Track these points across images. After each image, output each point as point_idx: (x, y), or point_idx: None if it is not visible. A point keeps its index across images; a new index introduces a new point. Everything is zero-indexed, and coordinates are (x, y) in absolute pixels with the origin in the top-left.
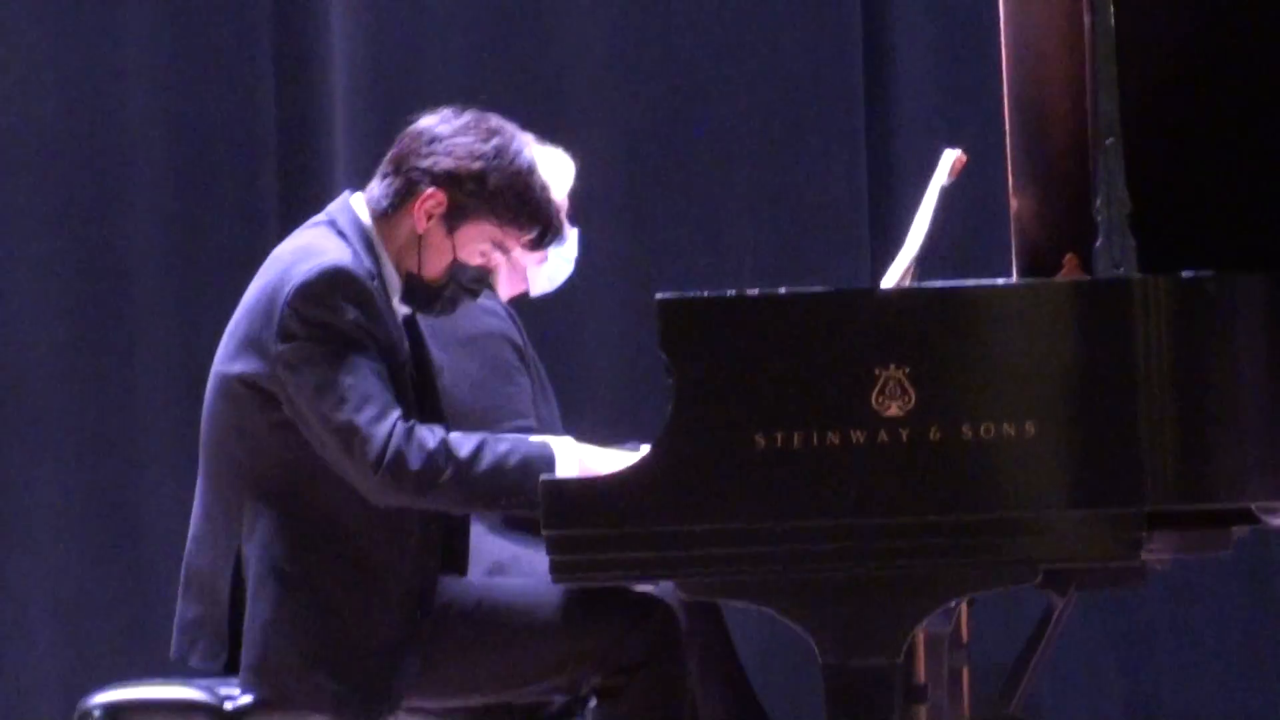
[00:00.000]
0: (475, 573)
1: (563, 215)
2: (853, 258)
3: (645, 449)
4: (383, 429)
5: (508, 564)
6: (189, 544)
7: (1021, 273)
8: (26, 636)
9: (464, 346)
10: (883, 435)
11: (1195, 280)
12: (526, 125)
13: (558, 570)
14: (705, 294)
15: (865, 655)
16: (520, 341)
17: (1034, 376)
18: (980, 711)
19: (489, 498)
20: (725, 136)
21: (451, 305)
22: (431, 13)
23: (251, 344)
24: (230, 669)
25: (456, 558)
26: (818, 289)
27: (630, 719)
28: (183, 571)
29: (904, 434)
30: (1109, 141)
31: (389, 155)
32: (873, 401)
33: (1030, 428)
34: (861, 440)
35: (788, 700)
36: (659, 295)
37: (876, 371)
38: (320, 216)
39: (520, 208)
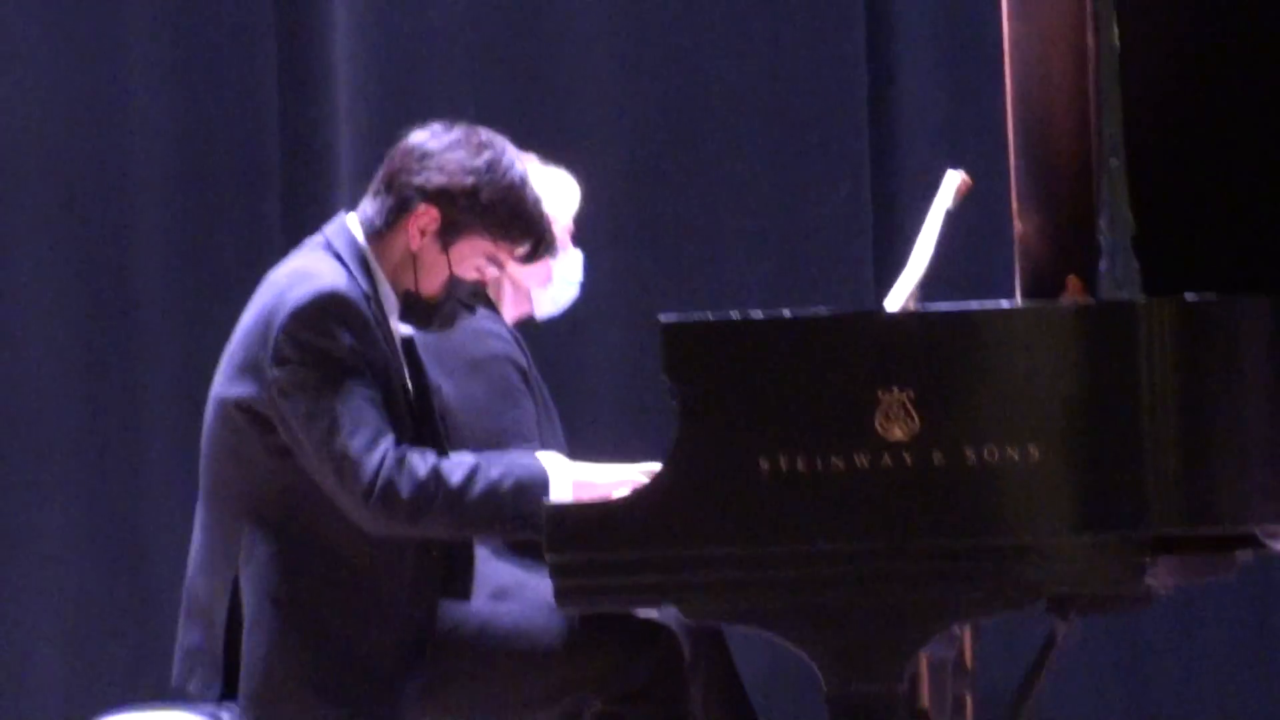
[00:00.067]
0: (479, 597)
1: (567, 236)
2: (856, 280)
3: (647, 465)
4: (373, 457)
5: (512, 589)
6: (189, 570)
7: (1025, 295)
8: (31, 661)
9: (468, 370)
10: (886, 459)
11: (1199, 303)
12: (531, 147)
13: (561, 595)
14: (709, 317)
15: (868, 680)
16: (525, 364)
17: (1038, 400)
18: None
19: (483, 523)
20: (729, 159)
21: (450, 320)
22: (436, 34)
23: (248, 368)
24: (227, 697)
25: (459, 582)
26: (821, 311)
27: None
28: (183, 597)
29: (908, 457)
30: (1113, 163)
31: (380, 173)
32: (876, 425)
33: (1034, 451)
34: (865, 464)
35: None
36: (662, 318)
37: (880, 394)
38: (316, 238)
39: (513, 221)
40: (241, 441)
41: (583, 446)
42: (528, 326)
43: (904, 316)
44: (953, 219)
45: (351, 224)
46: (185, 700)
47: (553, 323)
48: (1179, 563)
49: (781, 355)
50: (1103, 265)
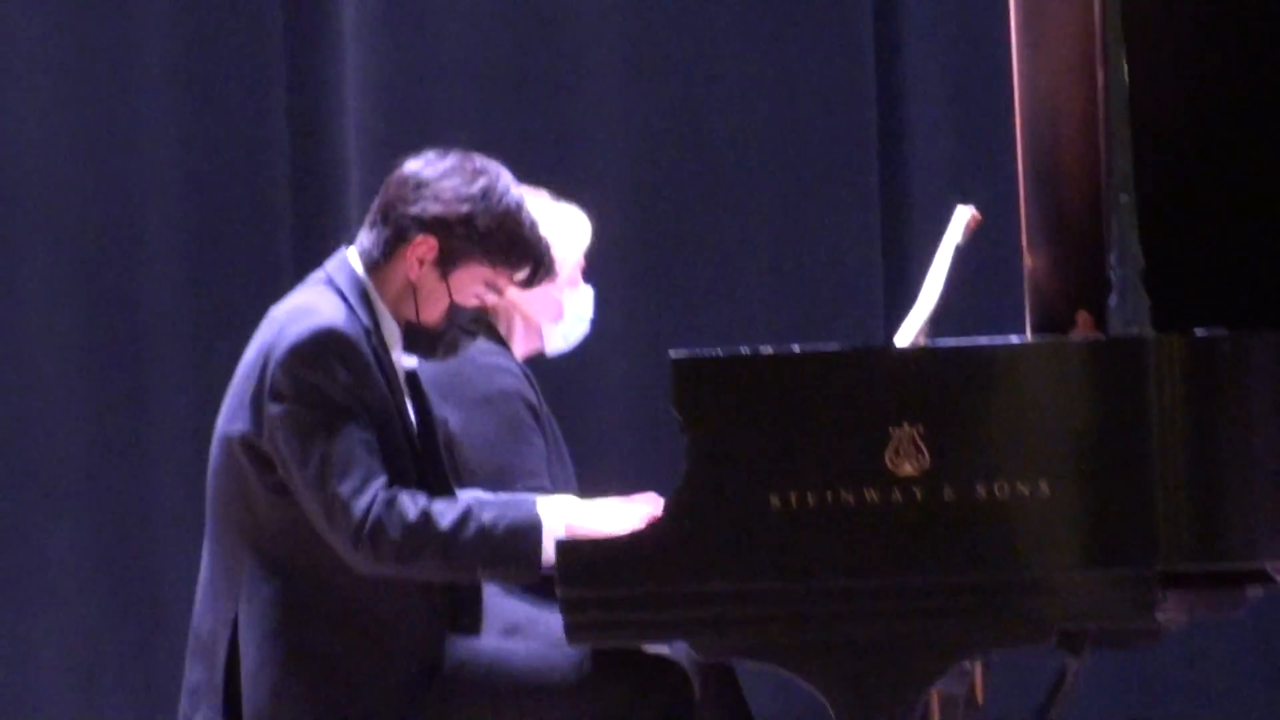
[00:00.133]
0: (490, 634)
1: (578, 272)
2: (866, 315)
3: (645, 502)
4: (363, 500)
5: (523, 625)
6: (195, 606)
7: (1035, 331)
8: (41, 696)
9: (478, 405)
10: (897, 495)
11: (1209, 339)
12: (542, 183)
13: (572, 631)
14: (719, 352)
15: (879, 716)
16: (535, 400)
17: (1048, 435)
18: None
19: (474, 566)
20: (739, 195)
21: (454, 348)
22: (445, 69)
23: (247, 405)
24: None
25: (468, 618)
26: (831, 347)
27: None
28: (190, 634)
29: (918, 493)
30: (1122, 199)
31: (376, 203)
32: (887, 461)
33: (1044, 487)
34: (876, 499)
35: None
36: (673, 354)
37: (890, 430)
38: (318, 273)
39: (511, 246)
40: (243, 478)
41: (593, 482)
42: (538, 362)
43: (914, 352)
44: (963, 254)
45: (351, 258)
46: None
47: (564, 358)
48: (1189, 598)
49: (791, 391)
50: (1112, 300)
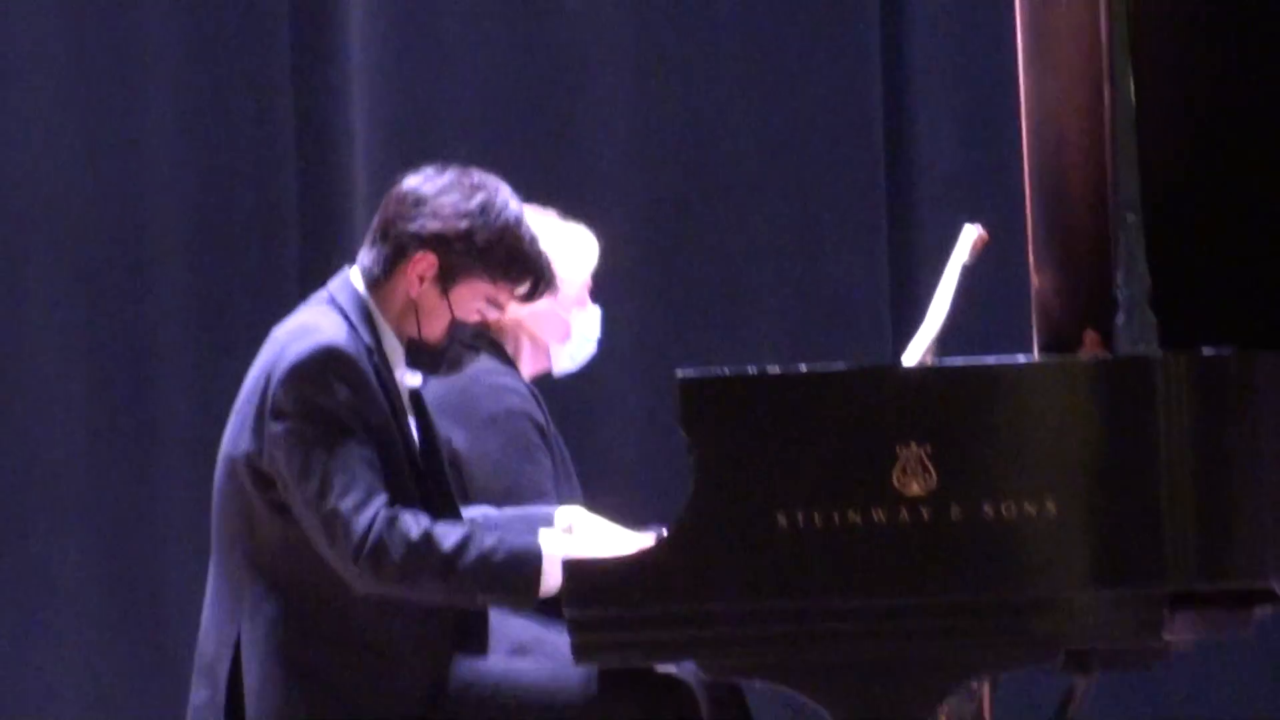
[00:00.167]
0: (498, 653)
1: (585, 292)
2: (873, 335)
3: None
4: (364, 517)
5: (530, 645)
6: (201, 626)
7: (1042, 350)
8: (46, 715)
9: (486, 425)
10: (904, 514)
11: (1216, 357)
12: (549, 203)
13: (579, 651)
14: (726, 372)
15: None
16: (542, 420)
17: (1055, 455)
18: None
19: (472, 591)
20: (747, 216)
21: (458, 364)
22: (452, 89)
23: (249, 424)
24: None
25: (475, 638)
26: (838, 366)
27: None
28: (196, 654)
29: (925, 513)
30: (1129, 218)
31: (375, 221)
32: (894, 480)
33: (1051, 506)
34: (883, 519)
35: None
36: (679, 373)
37: (897, 450)
38: (321, 293)
39: (511, 261)
40: (246, 498)
41: (600, 502)
42: (546, 381)
43: (921, 371)
44: (970, 274)
45: (353, 276)
46: None
47: (571, 378)
48: (1197, 618)
49: (798, 410)
50: (1119, 320)
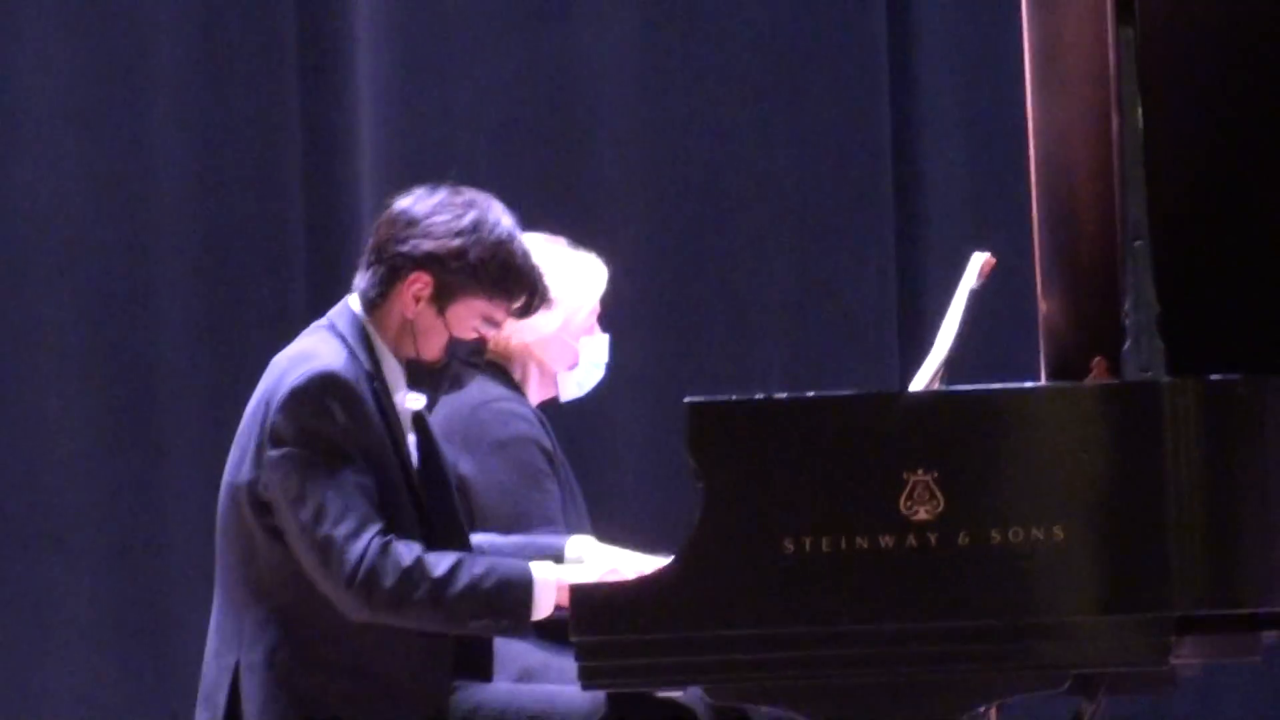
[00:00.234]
0: (504, 678)
1: (594, 319)
2: (881, 361)
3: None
4: (358, 545)
5: (537, 670)
6: (205, 655)
7: (1050, 376)
8: None
9: (493, 452)
10: (911, 540)
11: (1224, 383)
12: (557, 230)
13: (586, 676)
14: (733, 398)
15: None
16: (550, 447)
17: (1063, 481)
18: None
19: (464, 617)
20: (755, 242)
21: (459, 382)
22: (460, 114)
23: (250, 452)
24: None
25: (479, 664)
26: (846, 393)
27: None
28: (200, 681)
29: (933, 538)
30: (1137, 244)
31: (369, 244)
32: (901, 506)
33: (1059, 532)
34: (890, 545)
35: None
36: (687, 399)
37: (905, 475)
38: (321, 320)
39: (505, 277)
40: (246, 525)
41: (608, 527)
42: (553, 407)
43: (929, 397)
44: (978, 300)
45: (352, 301)
46: None
47: (578, 405)
48: (1204, 643)
49: (806, 436)
50: (1127, 345)
